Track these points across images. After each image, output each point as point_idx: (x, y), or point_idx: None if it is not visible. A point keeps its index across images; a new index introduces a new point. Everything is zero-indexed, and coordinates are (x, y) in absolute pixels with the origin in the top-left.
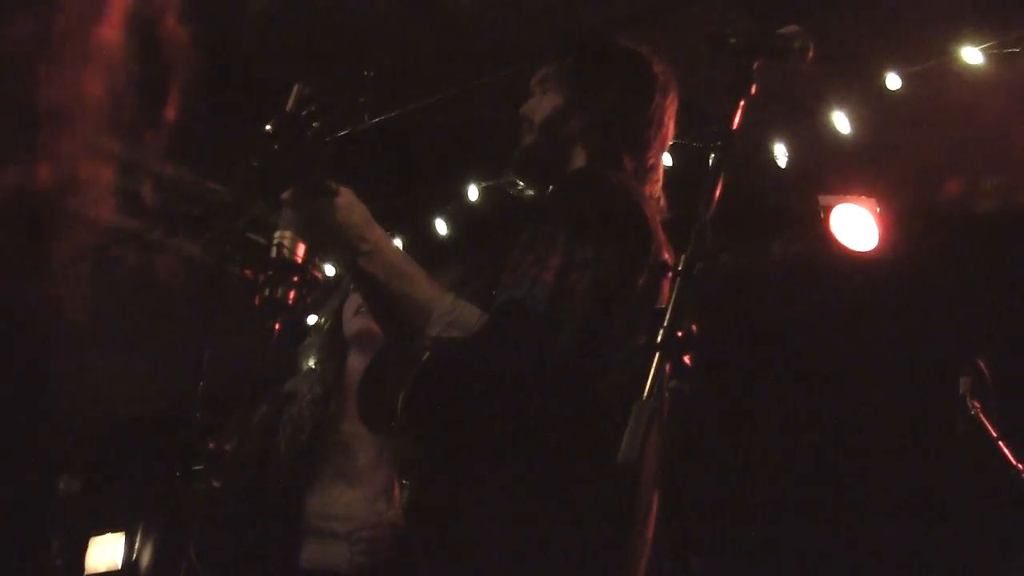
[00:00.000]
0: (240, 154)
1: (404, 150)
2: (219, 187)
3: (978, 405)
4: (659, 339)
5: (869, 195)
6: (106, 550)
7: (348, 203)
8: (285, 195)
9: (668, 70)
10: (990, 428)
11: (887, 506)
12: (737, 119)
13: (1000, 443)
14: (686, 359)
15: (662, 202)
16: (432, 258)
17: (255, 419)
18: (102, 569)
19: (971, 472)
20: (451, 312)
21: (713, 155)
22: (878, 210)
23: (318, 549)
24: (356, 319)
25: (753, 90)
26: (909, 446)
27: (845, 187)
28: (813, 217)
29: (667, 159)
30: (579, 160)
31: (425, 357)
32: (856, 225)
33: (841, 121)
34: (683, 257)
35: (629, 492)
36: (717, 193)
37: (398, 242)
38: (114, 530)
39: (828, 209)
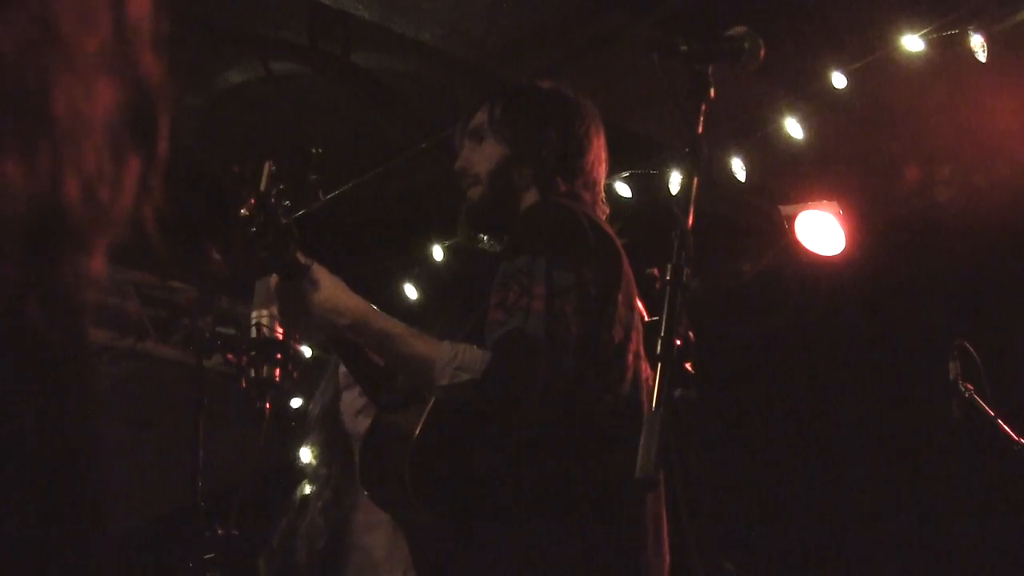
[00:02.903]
0: (198, 247)
1: (361, 223)
2: (182, 285)
3: (971, 387)
4: (659, 349)
5: (829, 199)
6: None
7: (321, 277)
8: (270, 279)
9: (592, 105)
10: (986, 408)
11: (897, 499)
12: (701, 124)
13: (999, 421)
14: (688, 366)
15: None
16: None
17: (275, 538)
18: None
19: (974, 456)
20: (454, 358)
21: (684, 163)
22: (840, 212)
23: None
24: (362, 419)
25: (712, 94)
26: (908, 439)
27: (805, 194)
28: (777, 229)
29: (625, 191)
30: (531, 200)
31: (430, 406)
32: (821, 230)
33: (793, 128)
34: (669, 266)
35: (639, 506)
36: (693, 199)
37: None
38: None
39: (791, 219)
